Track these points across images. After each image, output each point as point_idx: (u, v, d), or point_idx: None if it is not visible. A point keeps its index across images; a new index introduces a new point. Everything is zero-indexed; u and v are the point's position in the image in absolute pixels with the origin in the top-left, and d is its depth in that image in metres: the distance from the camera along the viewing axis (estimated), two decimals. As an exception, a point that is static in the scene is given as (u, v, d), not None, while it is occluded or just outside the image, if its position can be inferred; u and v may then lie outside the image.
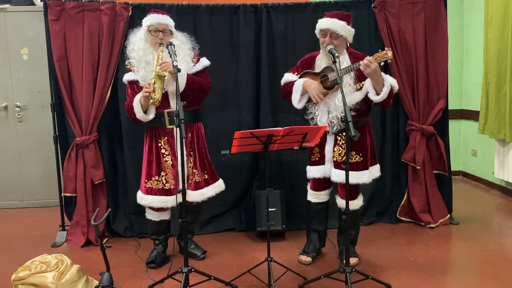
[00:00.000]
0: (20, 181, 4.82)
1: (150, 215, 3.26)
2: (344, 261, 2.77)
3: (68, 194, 3.73)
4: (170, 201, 3.15)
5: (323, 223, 3.33)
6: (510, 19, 4.32)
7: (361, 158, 3.06)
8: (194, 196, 3.18)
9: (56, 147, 3.80)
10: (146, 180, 3.18)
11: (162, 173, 3.16)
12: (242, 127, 3.81)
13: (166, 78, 2.96)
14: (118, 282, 2.86)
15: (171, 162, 3.15)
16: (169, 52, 2.82)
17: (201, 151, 3.26)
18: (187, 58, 3.14)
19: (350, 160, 3.05)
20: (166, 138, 3.15)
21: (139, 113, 3.05)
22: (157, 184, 3.16)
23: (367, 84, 2.95)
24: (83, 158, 3.66)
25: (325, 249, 3.42)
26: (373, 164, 3.17)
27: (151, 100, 2.99)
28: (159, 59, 2.99)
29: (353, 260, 3.15)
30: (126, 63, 3.17)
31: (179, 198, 3.10)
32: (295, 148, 2.93)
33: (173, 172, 3.15)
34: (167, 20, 3.09)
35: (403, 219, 4.02)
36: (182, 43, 3.16)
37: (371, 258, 3.29)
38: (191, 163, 3.19)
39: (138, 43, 3.08)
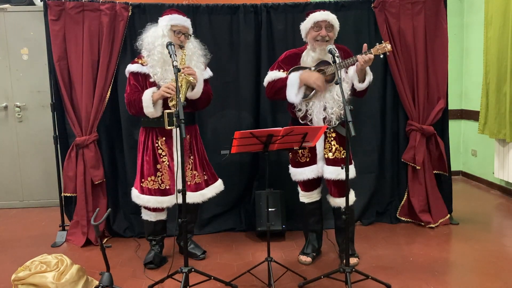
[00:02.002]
0: (20, 181, 4.82)
1: (147, 216, 3.25)
2: (344, 261, 2.77)
3: (68, 194, 3.73)
4: (165, 201, 3.14)
5: (319, 223, 3.34)
6: (510, 19, 4.32)
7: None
8: (195, 197, 3.18)
9: (56, 147, 3.80)
10: (142, 180, 3.16)
11: (158, 173, 3.14)
12: (242, 127, 3.81)
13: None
14: (118, 282, 2.86)
15: (168, 163, 3.13)
16: (169, 52, 2.81)
17: (200, 152, 3.26)
18: (200, 65, 3.14)
19: (339, 156, 3.09)
20: (164, 138, 3.13)
21: (148, 108, 3.00)
22: (153, 184, 3.14)
23: (351, 73, 3.03)
24: (83, 158, 3.66)
25: (325, 249, 3.42)
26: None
27: (173, 102, 2.98)
28: (183, 61, 2.99)
29: (353, 260, 3.15)
30: (139, 58, 3.15)
31: (176, 199, 3.11)
32: (295, 148, 2.93)
33: (169, 173, 3.14)
34: (188, 24, 3.10)
35: (403, 219, 4.02)
36: (196, 48, 3.16)
37: (371, 258, 3.29)
38: (190, 164, 3.18)
39: (160, 39, 3.02)
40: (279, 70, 3.16)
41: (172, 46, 2.83)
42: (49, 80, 3.71)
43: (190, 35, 3.13)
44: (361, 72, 2.98)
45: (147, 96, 3.01)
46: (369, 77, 3.03)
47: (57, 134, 3.76)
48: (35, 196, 4.84)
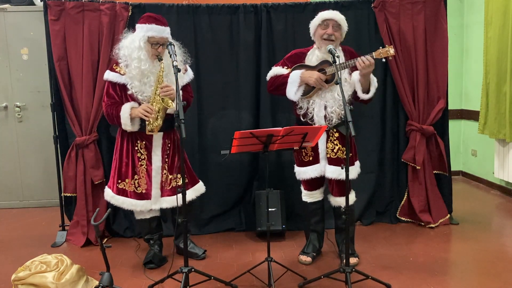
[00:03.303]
0: (20, 181, 4.82)
1: (141, 215, 3.24)
2: (344, 261, 2.77)
3: (68, 194, 3.74)
4: (139, 205, 3.10)
5: (321, 223, 3.34)
6: (510, 19, 4.32)
7: (350, 154, 3.09)
8: (171, 201, 3.11)
9: (56, 147, 3.80)
10: (118, 181, 3.13)
11: (136, 177, 3.11)
12: (242, 127, 3.81)
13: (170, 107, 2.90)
14: (118, 282, 2.86)
15: (146, 167, 3.11)
16: (169, 52, 2.80)
17: (178, 155, 3.19)
18: (180, 74, 3.09)
19: (342, 156, 3.09)
20: (144, 142, 3.10)
21: (126, 126, 2.99)
22: (130, 186, 3.12)
23: (355, 80, 3.02)
24: (83, 158, 3.66)
25: (325, 249, 3.42)
26: (356, 159, 3.20)
27: (151, 127, 2.95)
28: (160, 80, 2.92)
29: (353, 260, 3.15)
30: (120, 65, 3.05)
31: (154, 204, 3.10)
32: (295, 148, 2.93)
33: (146, 177, 3.11)
34: (167, 33, 3.01)
35: (403, 219, 4.02)
36: (177, 54, 3.09)
37: (371, 258, 3.29)
38: (165, 169, 3.14)
39: (136, 51, 2.95)
40: (283, 67, 3.18)
41: (173, 46, 2.83)
42: (49, 80, 3.71)
43: (170, 43, 3.01)
44: (365, 81, 2.97)
45: (125, 114, 2.96)
46: (373, 88, 3.04)
47: (57, 134, 3.76)
48: (35, 196, 4.84)
